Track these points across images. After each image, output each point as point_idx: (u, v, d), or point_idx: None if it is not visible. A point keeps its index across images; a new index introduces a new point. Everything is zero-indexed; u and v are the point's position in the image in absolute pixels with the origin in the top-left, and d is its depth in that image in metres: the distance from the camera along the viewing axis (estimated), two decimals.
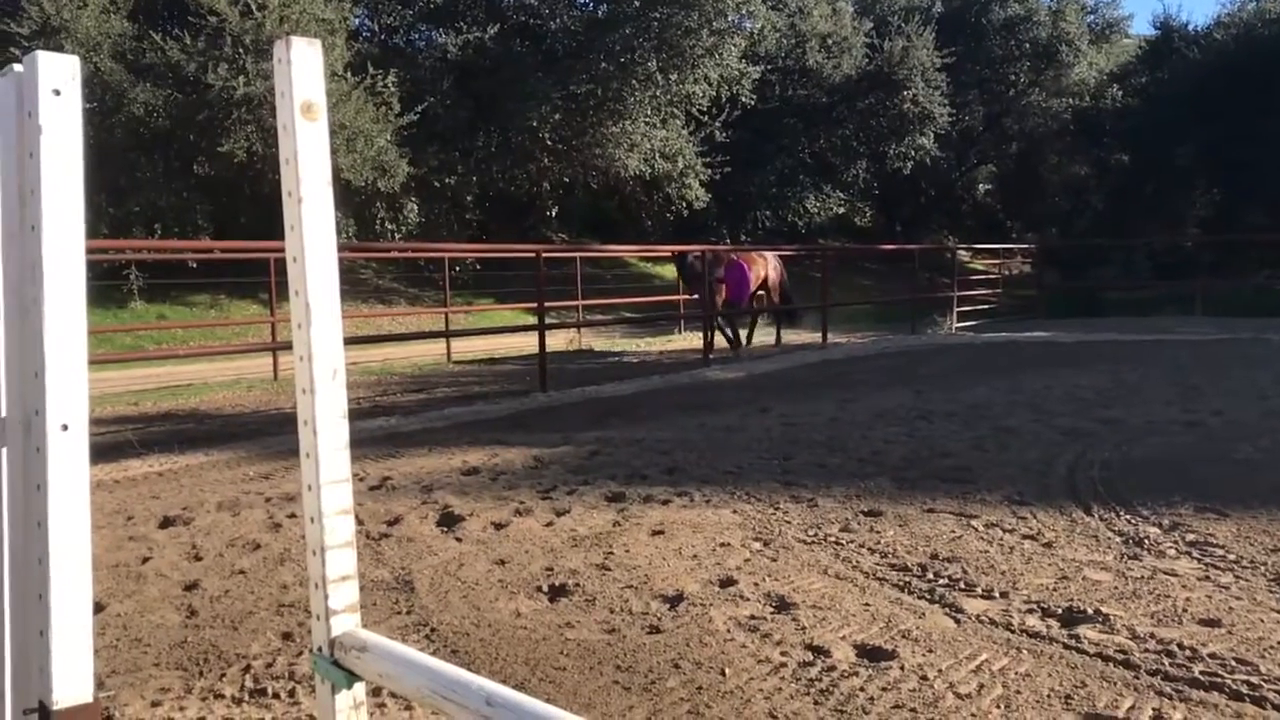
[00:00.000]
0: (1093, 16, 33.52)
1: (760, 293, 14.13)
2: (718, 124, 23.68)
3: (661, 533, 4.42)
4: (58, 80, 1.69)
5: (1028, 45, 31.05)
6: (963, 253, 26.94)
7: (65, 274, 1.69)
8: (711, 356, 13.09)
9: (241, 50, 16.79)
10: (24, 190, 1.74)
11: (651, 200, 25.26)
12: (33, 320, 1.71)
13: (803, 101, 28.07)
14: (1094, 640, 3.07)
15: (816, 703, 2.71)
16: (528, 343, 14.24)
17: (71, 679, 1.69)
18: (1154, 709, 2.62)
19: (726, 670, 2.92)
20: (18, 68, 1.78)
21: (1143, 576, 3.67)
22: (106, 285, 15.99)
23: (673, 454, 6.25)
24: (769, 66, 26.42)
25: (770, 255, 14.41)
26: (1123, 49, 34.77)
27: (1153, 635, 3.09)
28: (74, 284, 1.71)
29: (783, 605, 3.44)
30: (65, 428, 1.69)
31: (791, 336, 15.61)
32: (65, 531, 1.68)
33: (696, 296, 14.32)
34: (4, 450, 1.88)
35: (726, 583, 3.70)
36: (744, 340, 14.20)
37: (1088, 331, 16.03)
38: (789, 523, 4.56)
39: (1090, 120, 31.59)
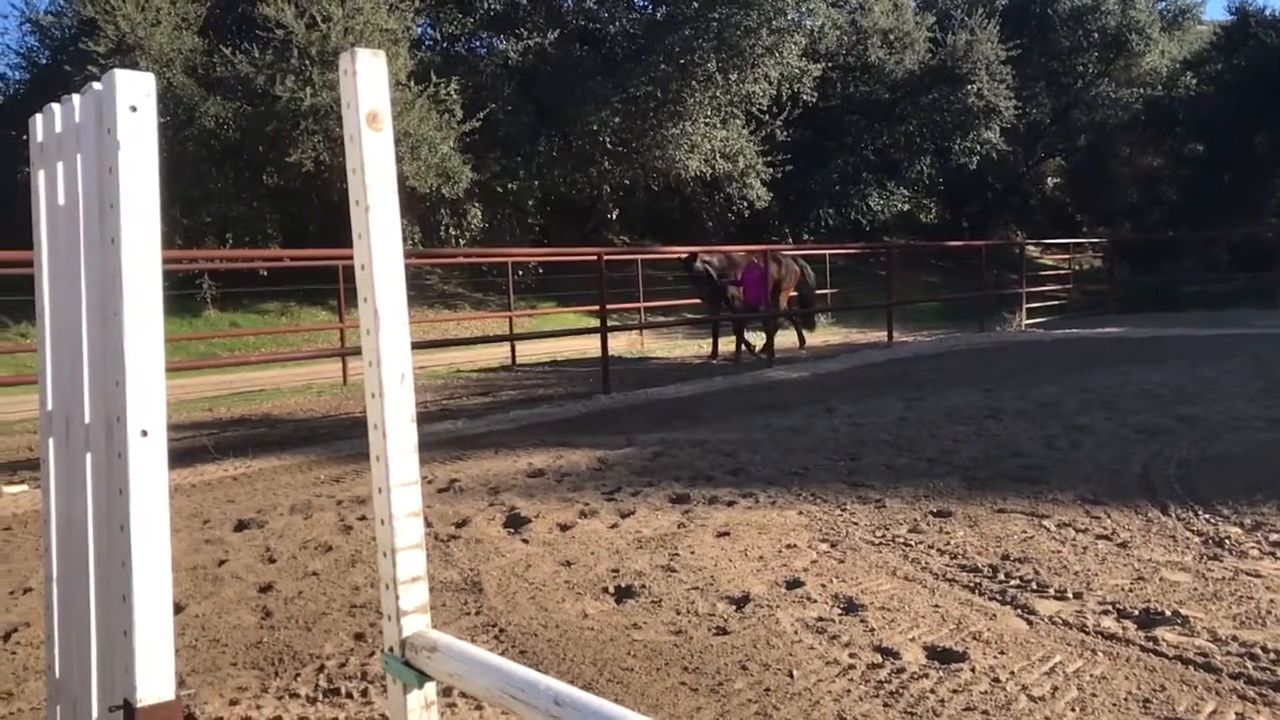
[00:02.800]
0: (1164, 3, 32.68)
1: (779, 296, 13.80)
2: (779, 123, 23.56)
3: (727, 534, 4.41)
4: (134, 97, 1.74)
5: (1096, 35, 30.31)
6: (1031, 248, 26.44)
7: (144, 285, 1.74)
8: (716, 361, 13.00)
9: (308, 62, 17.13)
10: (104, 204, 1.80)
11: (713, 201, 25.20)
12: (113, 330, 1.76)
13: (865, 98, 27.79)
14: (1173, 643, 2.99)
15: (886, 705, 2.68)
16: (590, 345, 14.31)
17: (154, 677, 1.74)
18: (1237, 713, 2.55)
19: (795, 672, 2.91)
20: (97, 86, 1.84)
21: (1224, 578, 3.57)
22: (181, 294, 16.41)
23: (737, 455, 6.23)
24: (830, 64, 26.19)
25: (787, 258, 13.95)
26: (1196, 36, 33.79)
27: (1235, 638, 3.01)
28: (152, 295, 1.76)
29: (851, 607, 3.41)
30: (145, 433, 1.74)
31: (819, 339, 15.41)
32: (146, 535, 1.73)
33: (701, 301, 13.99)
34: (88, 456, 1.95)
35: (793, 584, 3.68)
36: (802, 340, 13.91)
37: (1162, 326, 15.63)
38: (856, 524, 4.52)
39: (1163, 110, 30.73)
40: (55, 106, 2.09)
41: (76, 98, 1.97)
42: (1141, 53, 30.56)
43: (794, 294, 14.06)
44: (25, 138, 2.32)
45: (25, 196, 2.42)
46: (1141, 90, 31.57)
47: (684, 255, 13.77)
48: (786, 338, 14.42)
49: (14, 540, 4.91)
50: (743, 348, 13.43)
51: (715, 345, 13.90)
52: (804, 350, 13.85)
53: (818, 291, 18.45)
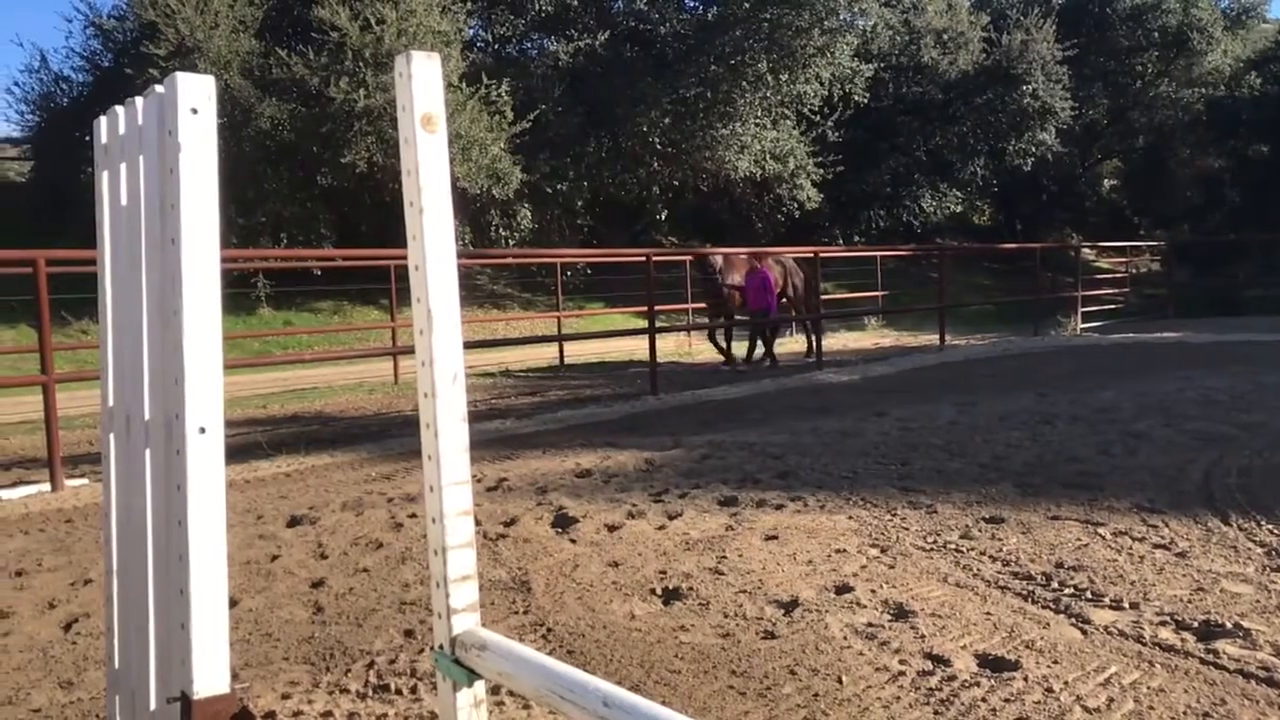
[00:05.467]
0: (1227, 2, 32.00)
1: (782, 300, 13.33)
2: (830, 123, 23.44)
3: (775, 538, 4.38)
4: (195, 100, 1.77)
5: (1156, 34, 29.76)
6: (1087, 251, 26.05)
7: (202, 285, 1.77)
8: (727, 368, 12.63)
9: (362, 64, 17.34)
10: (165, 204, 1.83)
11: (762, 202, 25.11)
12: (173, 330, 1.79)
13: (918, 98, 27.54)
14: (1234, 656, 2.92)
15: (936, 712, 2.64)
16: (638, 346, 14.31)
17: (210, 670, 1.76)
18: None
19: (843, 677, 2.88)
20: (159, 88, 1.87)
21: None
22: (236, 293, 16.70)
23: (785, 458, 6.19)
24: (882, 64, 26.01)
25: (789, 261, 13.49)
26: (1261, 34, 33.05)
27: None
28: (210, 295, 1.78)
29: (901, 613, 3.37)
30: (203, 431, 1.77)
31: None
32: (204, 530, 1.76)
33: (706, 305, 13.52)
34: (147, 451, 1.98)
35: (843, 589, 3.65)
36: (751, 354, 13.44)
37: (1223, 331, 15.29)
38: (907, 529, 4.47)
39: (1225, 110, 30.06)
40: (119, 109, 2.13)
41: (139, 100, 2.00)
42: (1203, 52, 29.93)
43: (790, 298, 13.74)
44: (89, 139, 2.37)
45: (88, 197, 2.47)
46: (1203, 90, 30.93)
47: (691, 259, 13.38)
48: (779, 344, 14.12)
49: (75, 533, 5.02)
50: (731, 350, 13.16)
51: (729, 350, 13.62)
52: (769, 364, 13.32)
53: (859, 294, 18.29)
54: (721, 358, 13.19)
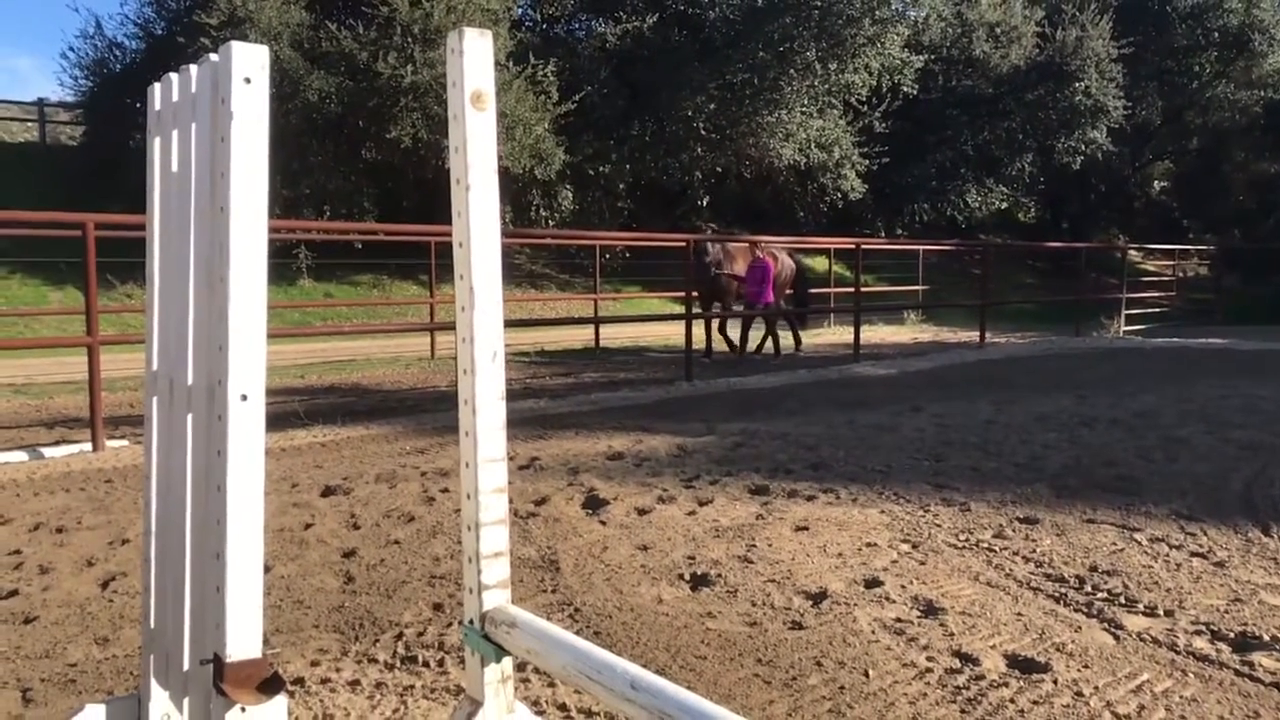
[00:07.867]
0: None
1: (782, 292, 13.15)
2: (877, 114, 23.20)
3: (806, 528, 4.37)
4: (249, 69, 1.78)
5: (1216, 34, 29.10)
6: (1134, 253, 25.64)
7: (250, 254, 1.78)
8: (708, 360, 12.34)
9: (410, 39, 17.40)
10: (215, 172, 1.84)
11: (805, 191, 24.93)
12: (219, 297, 1.81)
13: (967, 92, 27.16)
14: (1270, 669, 2.88)
15: (963, 711, 2.63)
16: (674, 331, 14.29)
17: (243, 634, 1.78)
18: None
19: (870, 671, 2.87)
20: (214, 57, 1.88)
21: None
22: (278, 264, 16.85)
23: (819, 449, 6.16)
24: (933, 56, 25.67)
25: (783, 253, 13.26)
26: None
27: None
28: (257, 264, 1.80)
29: (930, 610, 3.35)
30: (245, 398, 1.78)
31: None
32: (242, 496, 1.78)
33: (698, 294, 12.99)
34: (189, 416, 2.01)
35: (872, 583, 3.63)
36: (752, 346, 13.20)
37: (1270, 340, 15.01)
38: (939, 526, 4.44)
39: None
40: (173, 76, 2.14)
41: (194, 68, 2.01)
42: (1264, 54, 29.24)
43: (789, 291, 13.59)
44: (139, 105, 2.39)
45: (139, 162, 2.49)
46: (1262, 93, 30.24)
47: (684, 244, 13.10)
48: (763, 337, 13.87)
49: (114, 492, 5.11)
50: (736, 344, 12.96)
51: (743, 340, 13.44)
52: (800, 352, 13.34)
53: (899, 287, 18.14)
54: (703, 347, 13.02)
